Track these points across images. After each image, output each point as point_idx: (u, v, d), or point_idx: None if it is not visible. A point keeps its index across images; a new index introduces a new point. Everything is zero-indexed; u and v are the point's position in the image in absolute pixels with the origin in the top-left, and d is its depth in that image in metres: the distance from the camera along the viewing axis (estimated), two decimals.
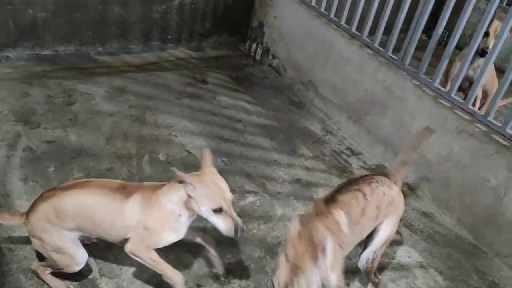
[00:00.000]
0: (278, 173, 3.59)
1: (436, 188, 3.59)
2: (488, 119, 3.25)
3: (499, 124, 3.21)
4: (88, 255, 2.38)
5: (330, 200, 2.28)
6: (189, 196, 2.17)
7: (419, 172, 3.71)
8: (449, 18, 3.48)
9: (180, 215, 2.25)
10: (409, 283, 2.88)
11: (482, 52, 3.61)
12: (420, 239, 3.25)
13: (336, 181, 3.64)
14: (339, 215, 2.20)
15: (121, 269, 2.59)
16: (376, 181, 2.44)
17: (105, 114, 3.81)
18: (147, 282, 2.55)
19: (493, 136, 3.20)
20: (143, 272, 2.58)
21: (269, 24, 5.09)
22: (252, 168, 3.58)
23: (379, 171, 3.88)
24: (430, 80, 3.60)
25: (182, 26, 5.07)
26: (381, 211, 2.40)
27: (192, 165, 3.45)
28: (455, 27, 3.39)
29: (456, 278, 2.99)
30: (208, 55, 5.24)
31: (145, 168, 3.34)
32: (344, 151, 4.07)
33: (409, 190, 3.72)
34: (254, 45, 5.35)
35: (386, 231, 2.48)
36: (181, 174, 2.12)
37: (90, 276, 2.51)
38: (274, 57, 5.12)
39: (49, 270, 2.40)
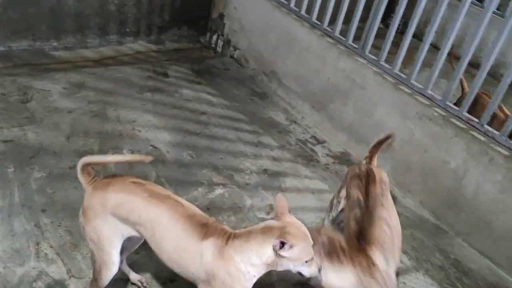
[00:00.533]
0: (245, 164, 3.59)
1: (398, 172, 3.69)
2: (447, 103, 3.37)
3: (456, 108, 3.33)
4: (55, 258, 2.30)
5: (360, 237, 2.26)
6: (280, 256, 1.85)
7: (382, 157, 3.79)
8: (406, 7, 3.57)
9: (254, 276, 1.92)
10: None
11: None
12: None
13: (303, 170, 3.68)
14: (376, 256, 2.21)
15: (90, 269, 2.51)
16: (381, 194, 2.49)
17: (63, 111, 3.68)
18: (120, 279, 2.50)
19: (452, 120, 3.31)
20: None
21: (229, 16, 5.06)
22: (219, 160, 3.56)
23: (343, 159, 3.95)
24: (390, 67, 3.69)
25: (140, 19, 4.95)
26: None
27: (158, 160, 3.40)
28: (411, 15, 3.48)
29: (421, 258, 3.10)
30: (168, 48, 5.15)
31: (110, 165, 3.26)
32: (309, 139, 4.11)
33: None
34: (214, 37, 5.30)
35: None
36: (282, 234, 1.82)
37: (58, 278, 2.44)
38: (235, 49, 5.10)
39: None
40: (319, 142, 4.12)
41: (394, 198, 3.57)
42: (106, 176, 2.16)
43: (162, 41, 5.20)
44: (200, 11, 5.29)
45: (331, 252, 2.19)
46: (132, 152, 3.42)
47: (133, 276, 2.52)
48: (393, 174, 3.73)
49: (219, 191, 3.26)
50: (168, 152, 3.52)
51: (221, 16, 5.15)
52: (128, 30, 4.94)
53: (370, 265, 2.17)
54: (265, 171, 3.58)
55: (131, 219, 2.03)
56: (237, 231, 2.00)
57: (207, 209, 3.02)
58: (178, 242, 1.98)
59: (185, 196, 3.12)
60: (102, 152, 3.35)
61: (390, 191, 2.60)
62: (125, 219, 2.04)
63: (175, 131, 3.78)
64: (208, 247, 1.92)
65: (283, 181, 3.51)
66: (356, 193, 2.52)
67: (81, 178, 2.10)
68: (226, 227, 2.02)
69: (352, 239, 2.28)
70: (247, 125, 4.10)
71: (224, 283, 1.91)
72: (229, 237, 1.94)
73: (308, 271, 1.95)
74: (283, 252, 1.82)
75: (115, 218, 2.04)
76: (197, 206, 2.91)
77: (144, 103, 4.04)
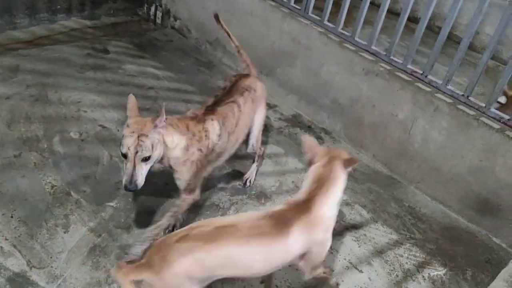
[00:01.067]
0: None
1: (350, 129, 3.78)
2: (391, 57, 3.45)
3: (400, 61, 3.42)
4: (11, 250, 2.20)
5: (210, 110, 2.58)
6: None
7: (333, 116, 3.87)
8: None
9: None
10: (338, 221, 3.05)
11: None
12: None
13: None
14: (212, 124, 2.52)
15: (51, 257, 2.44)
16: (247, 89, 2.80)
17: (1, 98, 3.46)
18: (83, 264, 2.43)
19: (397, 73, 3.40)
20: (76, 255, 2.46)
21: None
22: None
23: (296, 121, 3.99)
24: (334, 26, 3.71)
25: None
26: (253, 110, 2.88)
27: (109, 139, 3.28)
28: None
29: (378, 209, 3.22)
30: (105, 23, 4.92)
31: (57, 149, 3.12)
32: None
33: (326, 134, 3.89)
34: (152, 8, 5.11)
35: (260, 118, 3.00)
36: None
37: (18, 270, 2.34)
38: (175, 19, 4.95)
39: None
40: (270, 107, 4.12)
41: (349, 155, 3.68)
42: (140, 256, 2.02)
43: (97, 16, 4.95)
44: None
45: (178, 120, 2.44)
46: (80, 134, 3.28)
47: None
48: (345, 131, 3.83)
49: None
50: (118, 130, 3.40)
51: None
52: (59, 6, 4.66)
53: (201, 130, 2.46)
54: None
55: (208, 272, 1.89)
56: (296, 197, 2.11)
57: (165, 184, 2.98)
58: (266, 256, 1.93)
59: None
60: (47, 137, 3.19)
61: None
62: (203, 278, 1.90)
63: (123, 108, 3.62)
64: (297, 233, 1.94)
65: (239, 149, 3.50)
66: (227, 85, 2.88)
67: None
68: (299, 198, 2.07)
69: (201, 110, 2.60)
70: (197, 95, 4.03)
71: (323, 242, 2.07)
72: (310, 201, 2.03)
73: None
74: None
75: (192, 282, 1.88)
76: (155, 182, 2.88)
77: (86, 82, 3.86)
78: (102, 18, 4.96)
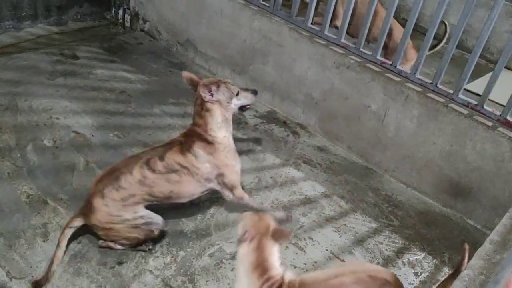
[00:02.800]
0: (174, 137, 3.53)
1: (325, 122, 3.84)
2: (361, 50, 3.51)
3: (370, 53, 3.49)
4: None
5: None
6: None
7: (307, 111, 3.92)
8: None
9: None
10: (318, 213, 3.09)
11: None
12: (320, 171, 3.48)
13: (233, 134, 3.69)
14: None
15: (31, 267, 2.40)
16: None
17: None
18: (64, 271, 2.40)
19: (367, 65, 3.47)
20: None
21: None
22: (148, 136, 3.47)
23: (271, 117, 4.02)
24: (303, 22, 3.76)
25: (36, 1, 4.59)
26: None
27: (84, 145, 3.25)
28: None
29: (356, 199, 3.28)
30: (72, 28, 4.85)
31: (31, 158, 3.07)
32: None
33: (301, 129, 3.93)
34: (121, 11, 5.06)
35: None
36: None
37: None
38: (145, 21, 4.91)
39: None
40: None
41: (325, 148, 3.73)
42: None
43: (64, 22, 4.88)
44: None
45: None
46: (54, 142, 3.23)
47: None
48: (320, 125, 3.88)
49: None
50: (93, 136, 3.37)
51: None
52: (24, 14, 4.57)
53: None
54: None
55: None
56: None
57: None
58: None
59: None
60: (20, 146, 3.13)
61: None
62: None
63: (96, 113, 3.61)
64: None
65: None
66: None
67: None
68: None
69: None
70: (171, 97, 4.02)
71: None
72: None
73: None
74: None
75: None
76: None
77: (57, 89, 3.80)
78: (69, 24, 4.89)
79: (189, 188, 2.58)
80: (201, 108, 2.61)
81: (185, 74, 2.69)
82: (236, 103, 2.67)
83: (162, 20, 4.74)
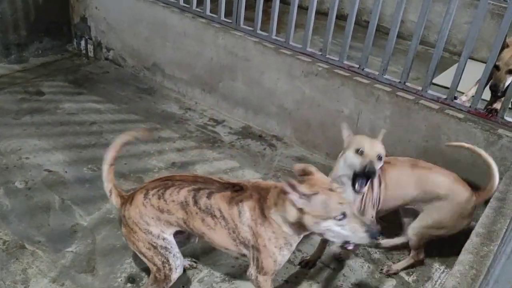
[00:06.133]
0: (151, 163, 3.47)
1: (300, 132, 3.83)
2: (327, 56, 3.53)
3: (337, 59, 3.51)
4: None
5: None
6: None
7: (282, 122, 3.91)
8: None
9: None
10: None
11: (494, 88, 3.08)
12: None
13: (210, 154, 3.66)
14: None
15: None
16: None
17: None
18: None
19: (335, 70, 3.49)
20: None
21: (92, 17, 4.78)
22: (124, 166, 3.40)
23: (246, 133, 4.00)
24: (267, 34, 3.76)
25: None
26: None
27: (58, 183, 3.16)
28: None
29: None
30: (35, 64, 4.75)
31: (3, 202, 2.96)
32: (208, 123, 4.09)
33: (277, 141, 3.92)
34: (83, 42, 4.99)
35: None
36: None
37: None
38: (108, 49, 4.85)
39: None
40: (218, 122, 4.11)
41: (303, 158, 3.72)
42: None
43: (25, 59, 4.77)
44: (58, 18, 4.92)
45: None
46: (26, 183, 3.13)
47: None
48: (296, 135, 3.87)
49: None
50: (66, 172, 3.28)
51: (84, 19, 4.85)
52: None
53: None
54: (173, 164, 3.50)
55: None
56: None
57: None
58: None
59: (97, 212, 2.96)
60: None
61: None
62: None
63: (67, 148, 3.53)
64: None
65: (194, 170, 3.47)
66: None
67: None
68: None
69: None
70: (143, 123, 3.96)
71: None
72: None
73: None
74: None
75: None
76: (112, 218, 2.79)
77: (24, 128, 3.70)
78: (31, 60, 4.78)
79: (221, 240, 2.17)
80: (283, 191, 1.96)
81: (297, 167, 2.07)
82: (332, 229, 1.88)
83: (126, 47, 4.69)
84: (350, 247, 1.94)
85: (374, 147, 2.43)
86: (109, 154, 2.24)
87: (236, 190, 2.11)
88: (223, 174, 3.44)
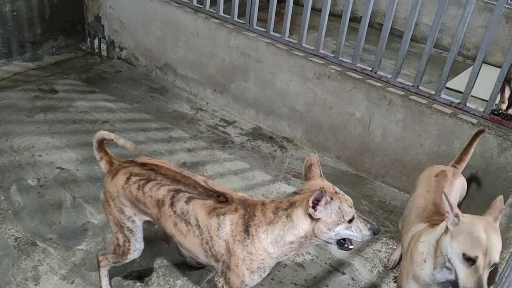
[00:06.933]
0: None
1: (311, 133, 3.82)
2: (340, 59, 3.52)
3: (349, 61, 3.49)
4: None
5: None
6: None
7: (293, 124, 3.90)
8: None
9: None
10: None
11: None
12: None
13: (220, 154, 3.67)
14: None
15: None
16: None
17: None
18: None
19: (348, 73, 3.47)
20: None
21: (106, 16, 4.81)
22: None
23: (257, 134, 3.99)
24: (280, 35, 3.76)
25: (9, 38, 4.54)
26: None
27: (70, 181, 3.18)
28: None
29: None
30: (49, 63, 4.79)
31: (16, 199, 2.99)
32: (219, 123, 4.10)
33: (288, 142, 3.91)
34: (96, 41, 5.03)
35: None
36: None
37: None
38: (121, 49, 4.88)
39: None
40: (229, 123, 4.12)
41: None
42: None
43: (40, 57, 4.82)
44: (73, 17, 4.97)
45: None
46: (39, 180, 3.16)
47: None
48: (307, 137, 3.86)
49: None
50: (78, 170, 3.30)
51: (98, 18, 4.89)
52: None
53: None
54: (184, 164, 3.51)
55: None
56: None
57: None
58: None
59: None
60: (3, 187, 3.05)
61: None
62: None
63: (79, 147, 3.55)
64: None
65: (204, 170, 3.47)
66: None
67: None
68: None
69: None
70: (154, 123, 3.98)
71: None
72: None
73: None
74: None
75: None
76: None
77: (38, 125, 3.73)
78: (45, 58, 4.83)
79: (189, 247, 2.09)
80: (288, 205, 1.87)
81: (311, 158, 1.99)
82: (340, 232, 1.83)
83: (138, 46, 4.72)
84: (352, 247, 1.91)
85: (491, 251, 1.68)
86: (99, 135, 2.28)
87: (220, 201, 1.99)
88: (233, 175, 3.44)
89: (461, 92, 3.17)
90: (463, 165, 2.61)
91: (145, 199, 2.09)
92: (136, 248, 2.26)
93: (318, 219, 1.79)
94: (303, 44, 3.67)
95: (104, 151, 2.28)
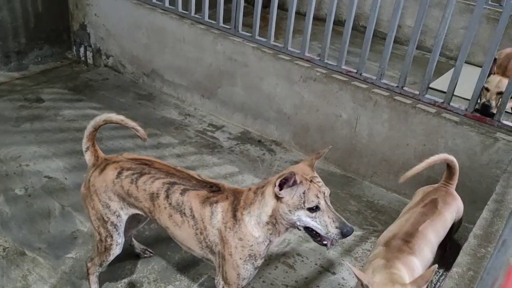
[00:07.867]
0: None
1: (299, 136, 3.85)
2: (325, 61, 3.56)
3: (335, 64, 3.54)
4: None
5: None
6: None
7: (281, 127, 3.93)
8: None
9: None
10: None
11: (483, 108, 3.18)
12: None
13: (210, 159, 3.68)
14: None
15: None
16: None
17: None
18: None
19: (333, 75, 3.52)
20: None
21: (92, 24, 4.81)
22: None
23: (245, 138, 4.01)
24: (266, 40, 3.79)
25: None
26: None
27: (58, 189, 3.17)
28: None
29: (339, 209, 3.28)
30: (34, 72, 4.77)
31: (3, 209, 2.97)
32: (207, 128, 4.11)
33: (276, 146, 3.93)
34: (82, 49, 5.02)
35: None
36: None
37: None
38: (108, 56, 4.88)
39: None
40: (218, 128, 4.13)
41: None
42: None
43: (25, 66, 4.80)
44: (58, 25, 4.96)
45: None
46: (26, 190, 3.15)
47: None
48: (295, 139, 3.89)
49: None
50: (66, 178, 3.29)
51: (83, 26, 4.88)
52: None
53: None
54: None
55: None
56: None
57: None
58: None
59: None
60: None
61: None
62: None
63: (67, 155, 3.54)
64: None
65: None
66: None
67: None
68: None
69: None
70: (143, 129, 3.97)
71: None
72: None
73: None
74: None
75: None
76: None
77: (24, 135, 3.72)
78: (30, 67, 4.81)
79: (184, 239, 2.12)
80: (265, 183, 1.96)
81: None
82: (302, 219, 1.84)
83: (125, 53, 4.72)
84: (326, 243, 1.89)
85: None
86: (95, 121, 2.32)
87: (213, 191, 2.05)
88: (222, 179, 3.45)
89: (444, 92, 3.22)
90: (455, 179, 2.59)
91: (138, 194, 2.11)
92: (118, 242, 2.26)
93: (281, 199, 1.84)
94: (289, 48, 3.71)
95: (92, 142, 2.29)
